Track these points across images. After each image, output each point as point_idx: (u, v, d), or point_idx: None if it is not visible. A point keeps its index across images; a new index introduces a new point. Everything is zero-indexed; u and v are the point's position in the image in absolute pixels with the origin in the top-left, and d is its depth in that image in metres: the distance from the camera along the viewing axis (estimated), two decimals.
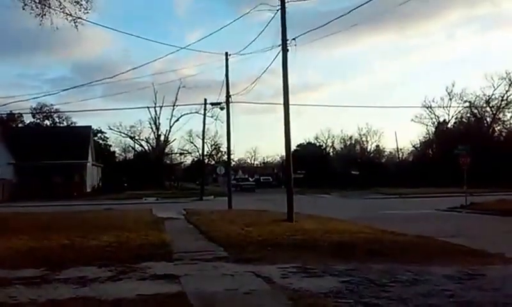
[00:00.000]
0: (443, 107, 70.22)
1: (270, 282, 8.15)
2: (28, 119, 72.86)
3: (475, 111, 69.20)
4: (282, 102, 19.83)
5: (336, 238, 13.28)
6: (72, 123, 71.71)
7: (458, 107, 69.35)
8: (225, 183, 41.78)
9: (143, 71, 72.70)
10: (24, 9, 15.64)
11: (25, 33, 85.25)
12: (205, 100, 45.75)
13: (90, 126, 62.80)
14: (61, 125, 72.37)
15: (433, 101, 71.18)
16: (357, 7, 17.60)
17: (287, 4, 19.34)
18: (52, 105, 69.51)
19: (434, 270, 8.95)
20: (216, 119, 56.03)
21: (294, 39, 19.37)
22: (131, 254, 10.90)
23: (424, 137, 75.47)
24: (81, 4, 15.98)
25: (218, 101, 36.50)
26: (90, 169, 58.89)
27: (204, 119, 48.72)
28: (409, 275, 8.53)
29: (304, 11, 78.02)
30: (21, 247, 12.10)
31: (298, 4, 20.03)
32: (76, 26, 16.21)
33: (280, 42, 19.58)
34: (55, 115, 71.84)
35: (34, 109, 68.77)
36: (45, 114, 71.32)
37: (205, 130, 51.47)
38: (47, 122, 74.27)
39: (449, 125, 72.06)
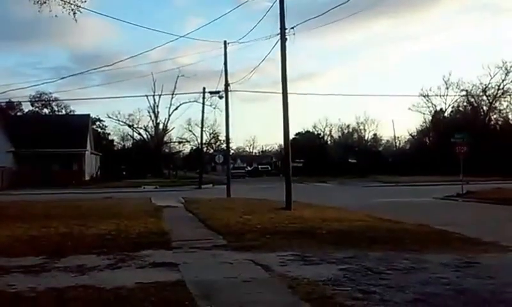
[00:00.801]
0: (440, 96, 70.45)
1: (269, 270, 8.22)
2: (27, 107, 72.75)
3: (472, 100, 69.40)
4: (281, 90, 19.85)
5: (335, 226, 13.37)
6: (70, 112, 71.55)
7: (455, 95, 69.62)
8: (224, 172, 41.85)
9: (141, 59, 72.84)
10: None
11: (23, 21, 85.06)
12: (204, 88, 45.85)
13: (89, 115, 62.75)
14: (60, 113, 72.25)
15: (430, 90, 71.55)
16: None
17: None
18: (50, 93, 69.33)
19: (431, 258, 9.02)
20: (214, 108, 56.17)
21: (292, 28, 19.35)
22: (130, 243, 10.97)
23: (421, 125, 75.84)
24: None
25: (217, 89, 36.58)
26: (89, 158, 58.89)
27: (203, 107, 48.81)
28: (406, 263, 8.60)
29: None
30: (20, 236, 12.16)
31: None
32: (75, 16, 16.11)
33: (278, 31, 19.55)
34: (54, 103, 71.67)
35: (33, 97, 68.52)
36: (43, 102, 71.11)
37: (204, 118, 51.65)
38: (46, 110, 74.07)
39: (446, 114, 72.28)
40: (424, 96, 70.92)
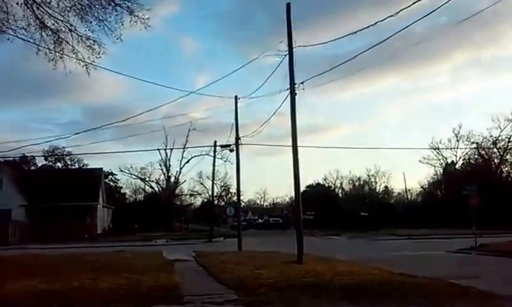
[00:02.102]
0: (451, 149, 70.48)
1: None
2: (40, 161, 73.75)
3: (483, 152, 69.18)
4: (291, 143, 20.09)
5: (346, 280, 13.27)
6: (83, 165, 72.33)
7: (465, 148, 69.61)
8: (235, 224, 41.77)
9: (153, 114, 74.00)
10: (37, 54, 16.13)
11: (36, 77, 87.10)
12: (215, 142, 46.27)
13: (101, 169, 63.16)
14: (73, 167, 73.07)
15: (440, 142, 71.61)
16: (362, 52, 17.97)
17: (294, 49, 19.79)
18: (64, 147, 70.32)
19: None
20: (225, 161, 56.45)
21: (301, 83, 19.76)
22: (142, 297, 10.99)
23: (432, 178, 75.60)
24: (94, 49, 16.44)
25: (228, 143, 36.99)
26: (101, 211, 59.11)
27: (214, 161, 49.17)
28: None
29: (311, 54, 79.22)
30: (31, 289, 12.20)
31: (305, 47, 20.42)
32: (88, 71, 16.65)
33: (288, 85, 19.96)
34: (67, 157, 72.63)
35: (46, 151, 69.52)
36: (57, 156, 72.11)
37: (215, 171, 51.97)
38: (59, 164, 75.03)
39: (457, 166, 72.14)
40: (434, 149, 71.09)
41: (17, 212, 51.11)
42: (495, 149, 68.06)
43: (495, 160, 69.21)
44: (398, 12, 14.58)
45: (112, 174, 77.06)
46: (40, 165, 73.36)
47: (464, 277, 13.97)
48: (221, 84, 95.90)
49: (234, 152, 33.67)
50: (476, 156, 70.29)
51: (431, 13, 14.07)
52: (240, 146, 32.63)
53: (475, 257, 23.75)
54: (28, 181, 54.38)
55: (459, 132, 69.15)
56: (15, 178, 54.74)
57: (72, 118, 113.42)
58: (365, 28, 16.49)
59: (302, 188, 28.91)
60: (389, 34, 16.20)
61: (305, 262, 18.16)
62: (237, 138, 32.54)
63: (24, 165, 68.24)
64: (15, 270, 17.27)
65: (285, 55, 19.91)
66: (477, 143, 68.49)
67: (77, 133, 62.76)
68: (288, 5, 19.83)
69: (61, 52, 16.27)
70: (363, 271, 15.62)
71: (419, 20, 14.88)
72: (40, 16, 15.64)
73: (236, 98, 32.41)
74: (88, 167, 68.76)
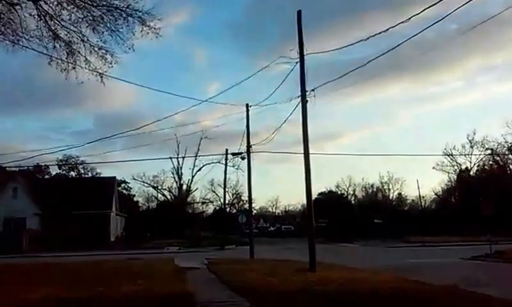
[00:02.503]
0: (465, 155, 69.94)
1: None
2: (54, 170, 74.48)
3: (498, 158, 68.52)
4: (302, 150, 20.06)
5: (359, 287, 13.19)
6: (96, 174, 72.92)
7: (480, 154, 69.03)
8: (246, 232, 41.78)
9: (165, 123, 74.28)
10: (50, 64, 16.30)
11: (48, 88, 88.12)
12: (227, 150, 46.45)
13: (114, 177, 63.45)
14: (86, 175, 73.63)
15: (454, 148, 71.11)
16: (375, 59, 17.90)
17: (305, 56, 19.80)
18: (77, 156, 71.00)
19: None
20: (237, 169, 56.45)
21: (312, 90, 19.75)
22: (155, 305, 11.00)
23: (446, 184, 75.01)
24: (106, 59, 16.59)
25: (239, 151, 37.04)
26: (114, 219, 59.38)
27: (225, 168, 49.32)
28: None
29: (321, 62, 79.23)
30: (47, 298, 12.25)
31: (316, 55, 20.42)
32: (102, 80, 16.78)
33: (299, 93, 19.97)
34: (80, 166, 73.29)
35: (60, 160, 70.27)
36: (70, 165, 72.77)
37: (227, 179, 52.11)
38: (73, 173, 75.71)
39: (471, 173, 71.43)
40: (448, 155, 70.61)
41: (31, 220, 51.56)
42: (510, 156, 67.46)
43: (510, 166, 68.55)
44: (409, 18, 14.55)
45: (125, 182, 77.58)
46: (53, 174, 74.12)
47: (480, 285, 13.81)
48: (232, 92, 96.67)
49: (246, 160, 33.74)
50: (491, 162, 69.66)
51: (441, 20, 13.96)
52: (251, 153, 32.67)
53: (490, 264, 23.49)
54: (42, 190, 54.82)
55: (473, 138, 68.86)
56: (29, 187, 55.23)
57: (84, 127, 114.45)
58: (377, 34, 16.43)
59: (314, 195, 28.91)
60: (400, 40, 16.16)
61: (318, 270, 18.10)
62: (248, 146, 32.58)
63: (37, 174, 68.93)
64: (28, 279, 17.41)
65: (296, 62, 19.94)
66: (491, 149, 67.98)
67: (89, 143, 63.30)
68: (299, 12, 19.90)
69: (74, 62, 16.45)
70: (376, 278, 15.53)
71: (430, 26, 14.79)
72: (52, 28, 15.85)
73: (247, 106, 32.49)
74: (101, 175, 69.33)
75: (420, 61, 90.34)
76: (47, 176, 71.61)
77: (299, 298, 11.85)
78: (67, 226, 52.40)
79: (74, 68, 16.48)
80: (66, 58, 16.55)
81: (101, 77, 16.84)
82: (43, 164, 65.32)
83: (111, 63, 16.71)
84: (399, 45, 16.34)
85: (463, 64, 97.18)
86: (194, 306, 11.09)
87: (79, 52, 16.41)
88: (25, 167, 57.90)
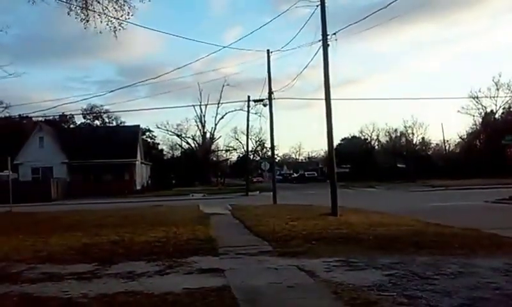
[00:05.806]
0: (490, 97, 68.43)
1: (314, 276, 8.23)
2: (79, 120, 75.41)
3: None
4: (324, 96, 19.81)
5: (381, 231, 13.22)
6: (120, 123, 73.62)
7: (506, 97, 67.47)
8: (270, 179, 42.08)
9: (186, 70, 73.98)
10: (69, 14, 16.17)
11: (70, 37, 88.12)
12: (248, 97, 46.25)
13: (139, 126, 63.96)
14: (111, 124, 74.41)
15: (480, 91, 69.68)
16: (395, 0, 17.31)
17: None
18: (101, 106, 71.71)
19: (481, 263, 8.82)
20: (260, 116, 56.45)
21: (334, 34, 19.31)
22: (178, 249, 11.22)
23: (471, 128, 73.86)
24: (123, 10, 16.35)
25: (261, 98, 36.89)
26: (139, 168, 60.29)
27: (248, 116, 49.26)
28: (454, 268, 8.44)
29: (343, 5, 77.22)
30: (74, 244, 12.63)
31: None
32: (115, 33, 16.56)
33: (320, 37, 19.54)
34: (104, 115, 74.02)
35: (84, 110, 71.10)
36: (94, 114, 73.53)
37: (249, 126, 52.09)
38: (97, 122, 76.60)
39: (497, 116, 70.20)
40: (474, 98, 69.30)
41: (58, 169, 52.75)
42: None
43: None
44: None
45: (149, 130, 78.32)
46: (78, 123, 75.08)
47: (503, 228, 13.71)
48: (252, 39, 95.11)
49: (268, 107, 33.54)
50: None
51: None
52: (273, 100, 32.46)
53: None
54: (68, 139, 55.78)
55: (499, 80, 67.19)
56: (55, 136, 56.23)
57: (106, 76, 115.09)
58: None
59: (337, 141, 28.74)
60: None
61: (340, 214, 18.19)
62: (270, 92, 32.32)
63: (63, 124, 69.92)
64: (57, 226, 17.95)
65: (317, 5, 19.42)
66: None
67: (112, 91, 63.72)
68: None
69: (92, 11, 16.26)
70: (397, 222, 15.54)
71: None
72: None
73: (268, 52, 32.02)
74: (126, 124, 69.97)
75: (444, 2, 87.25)
76: (72, 126, 72.63)
77: (321, 241, 11.95)
78: (94, 175, 53.52)
79: (88, 20, 16.29)
80: (83, 8, 16.37)
81: (115, 30, 16.59)
82: (68, 114, 66.21)
83: (128, 14, 16.49)
84: None
85: (487, 4, 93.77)
86: (217, 250, 11.27)
87: (98, 1, 16.20)
88: (51, 117, 58.79)
